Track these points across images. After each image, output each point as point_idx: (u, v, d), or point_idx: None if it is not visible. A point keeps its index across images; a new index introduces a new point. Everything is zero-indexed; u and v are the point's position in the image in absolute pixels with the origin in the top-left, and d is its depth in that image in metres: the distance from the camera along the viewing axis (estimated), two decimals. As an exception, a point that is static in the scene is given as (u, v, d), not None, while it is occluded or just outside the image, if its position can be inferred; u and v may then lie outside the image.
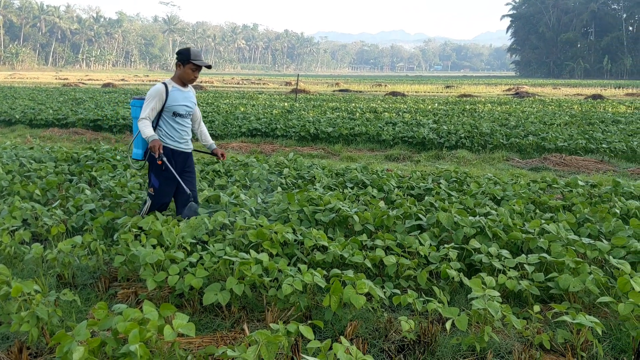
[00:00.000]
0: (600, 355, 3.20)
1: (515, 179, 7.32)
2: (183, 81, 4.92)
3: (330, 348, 2.64)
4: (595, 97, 33.13)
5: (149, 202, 4.96)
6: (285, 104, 23.12)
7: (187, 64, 4.80)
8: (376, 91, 42.44)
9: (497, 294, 3.33)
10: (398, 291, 3.62)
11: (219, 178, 6.92)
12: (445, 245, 4.31)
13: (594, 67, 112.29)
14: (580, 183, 6.72)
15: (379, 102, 26.31)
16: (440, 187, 6.51)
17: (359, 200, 5.91)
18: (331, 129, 13.40)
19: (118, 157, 8.28)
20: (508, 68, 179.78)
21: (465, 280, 3.64)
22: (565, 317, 3.09)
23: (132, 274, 4.28)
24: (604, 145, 11.43)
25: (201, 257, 3.88)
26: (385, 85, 51.91)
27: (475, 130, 13.23)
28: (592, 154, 11.32)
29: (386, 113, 18.89)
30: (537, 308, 3.39)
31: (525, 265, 4.00)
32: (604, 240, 4.56)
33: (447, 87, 49.58)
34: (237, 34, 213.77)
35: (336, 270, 3.53)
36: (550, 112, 19.71)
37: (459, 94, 36.31)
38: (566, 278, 3.67)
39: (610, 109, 22.01)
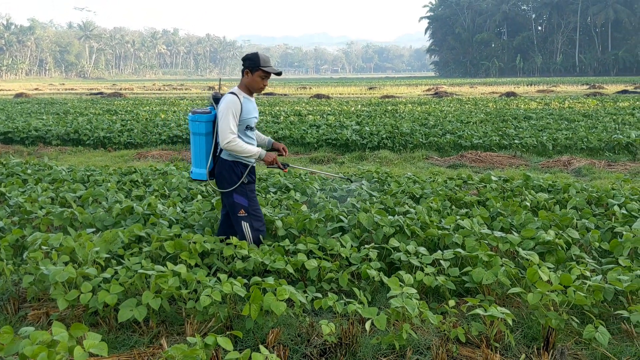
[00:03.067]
0: (512, 344, 3.34)
1: (434, 177, 7.54)
2: (251, 90, 4.46)
3: (250, 358, 2.62)
4: (509, 94, 34.68)
5: (246, 227, 4.43)
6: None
7: (257, 70, 4.36)
8: (301, 94, 42.61)
9: (414, 291, 3.41)
10: (320, 295, 3.64)
11: (137, 188, 6.73)
12: (366, 246, 4.38)
13: (508, 65, 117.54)
14: (494, 178, 7.01)
15: (303, 104, 26.42)
16: (362, 188, 6.60)
17: (281, 205, 5.90)
18: (255, 133, 13.31)
19: (29, 171, 7.88)
20: (428, 69, 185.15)
21: (385, 279, 3.70)
22: (478, 310, 3.20)
23: (43, 293, 4.08)
24: (516, 141, 11.98)
25: (116, 272, 3.75)
26: (310, 88, 52.25)
27: (397, 130, 13.53)
28: (506, 150, 11.84)
29: (310, 116, 18.99)
30: (452, 303, 3.50)
31: (441, 261, 4.11)
32: (515, 233, 4.77)
33: (371, 88, 50.48)
34: (157, 39, 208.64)
35: (257, 278, 3.51)
36: (467, 111, 20.44)
37: (381, 95, 37.04)
38: (479, 271, 3.80)
39: (522, 106, 23.10)
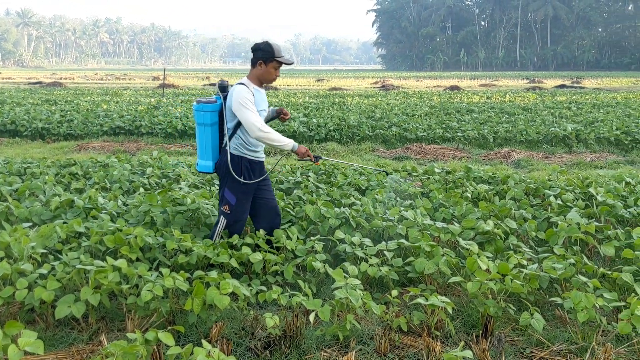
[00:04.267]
0: (452, 332, 3.43)
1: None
2: (262, 81, 4.30)
3: (192, 353, 2.59)
4: (452, 88, 35.40)
5: (222, 222, 4.33)
6: (152, 99, 22.30)
7: (271, 61, 4.20)
8: (248, 85, 42.17)
9: (358, 282, 3.45)
10: (265, 288, 3.63)
11: (76, 181, 6.51)
12: (312, 238, 4.39)
13: (452, 59, 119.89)
14: (437, 170, 7.15)
15: (250, 96, 26.15)
16: (309, 180, 6.61)
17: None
18: (200, 125, 13.12)
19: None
20: (375, 61, 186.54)
21: (330, 271, 3.72)
22: (420, 300, 3.27)
23: (-24, 291, 3.91)
24: (458, 134, 12.27)
25: (53, 268, 3.63)
26: (257, 79, 51.69)
27: (344, 122, 13.60)
28: (449, 142, 12.11)
29: (257, 107, 18.84)
30: (395, 292, 3.56)
31: (385, 251, 4.17)
32: (456, 223, 4.88)
33: (319, 80, 50.55)
34: (100, 28, 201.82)
35: (200, 272, 3.46)
36: (413, 104, 20.76)
37: (329, 87, 37.15)
38: (421, 261, 3.88)
39: (465, 99, 23.64)
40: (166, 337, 2.66)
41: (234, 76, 61.16)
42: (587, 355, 3.19)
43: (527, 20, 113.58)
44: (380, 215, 5.00)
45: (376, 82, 46.42)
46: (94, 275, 3.34)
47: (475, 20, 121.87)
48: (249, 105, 4.09)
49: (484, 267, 3.65)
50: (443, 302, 3.25)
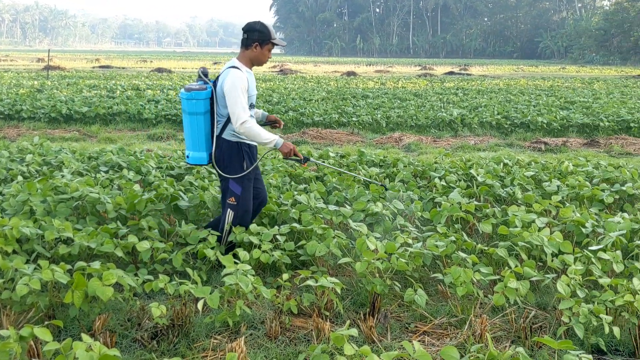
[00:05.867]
0: (341, 311, 3.52)
1: (275, 154, 7.63)
2: (254, 63, 4.11)
3: (71, 347, 2.47)
4: (349, 74, 36.01)
5: (229, 215, 4.12)
6: (35, 82, 20.87)
7: (267, 44, 4.03)
8: (141, 67, 40.69)
9: (249, 267, 3.44)
10: (152, 277, 3.53)
11: (-56, 170, 5.97)
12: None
13: (349, 45, 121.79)
14: (332, 154, 7.26)
15: (142, 78, 25.24)
16: (201, 166, 6.48)
17: (113, 185, 5.60)
18: (87, 108, 12.48)
19: None
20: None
21: (221, 258, 3.69)
22: (309, 282, 3.32)
23: None
24: (354, 119, 12.54)
25: None
26: (151, 62, 50.07)
27: (240, 107, 13.45)
28: (344, 127, 12.35)
29: (150, 90, 18.21)
30: (286, 276, 3.60)
31: (278, 236, 4.19)
32: (348, 206, 5.00)
33: (215, 63, 49.55)
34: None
35: (82, 263, 3.30)
36: (310, 89, 20.92)
37: (226, 71, 36.52)
38: (313, 244, 3.94)
39: (361, 85, 24.15)
40: (43, 333, 2.52)
41: (126, 58, 58.64)
42: (466, 327, 3.39)
43: (419, 8, 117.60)
44: (274, 200, 5.01)
45: (274, 66, 46.25)
46: (-39, 271, 3.10)
47: (370, 7, 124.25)
48: (241, 94, 3.92)
49: (372, 247, 3.77)
50: (332, 282, 3.32)
